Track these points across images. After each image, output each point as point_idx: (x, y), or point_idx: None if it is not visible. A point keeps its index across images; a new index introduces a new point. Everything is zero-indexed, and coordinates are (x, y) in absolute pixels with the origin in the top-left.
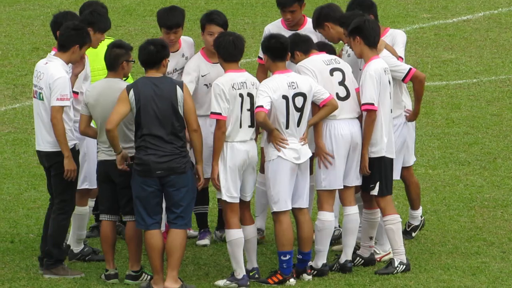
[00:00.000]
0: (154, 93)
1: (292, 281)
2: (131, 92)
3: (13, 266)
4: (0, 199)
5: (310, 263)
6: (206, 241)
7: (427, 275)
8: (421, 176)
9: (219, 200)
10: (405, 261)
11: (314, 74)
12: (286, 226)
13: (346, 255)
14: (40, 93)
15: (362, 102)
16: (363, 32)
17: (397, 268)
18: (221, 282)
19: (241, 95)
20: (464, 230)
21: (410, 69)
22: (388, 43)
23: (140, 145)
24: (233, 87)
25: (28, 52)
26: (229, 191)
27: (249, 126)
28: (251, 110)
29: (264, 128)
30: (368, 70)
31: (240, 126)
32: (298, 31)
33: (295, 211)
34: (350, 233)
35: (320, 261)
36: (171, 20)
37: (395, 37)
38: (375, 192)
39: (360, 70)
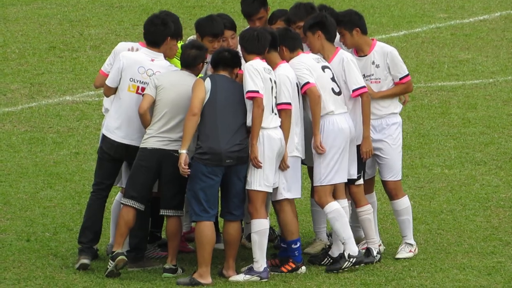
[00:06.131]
0: (229, 84)
1: (303, 268)
2: (207, 79)
3: (29, 265)
4: (17, 197)
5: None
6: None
7: (442, 274)
8: (437, 176)
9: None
10: (378, 250)
11: (309, 71)
12: (293, 214)
13: (339, 249)
14: None
15: (354, 87)
16: (325, 27)
17: (376, 257)
18: (239, 277)
19: (271, 80)
20: (480, 230)
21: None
22: (378, 59)
23: (209, 134)
24: (264, 70)
25: (45, 51)
26: (268, 180)
27: (275, 114)
28: (276, 98)
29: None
30: (347, 58)
31: (272, 111)
32: (289, 28)
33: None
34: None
35: (353, 247)
36: (217, 27)
37: (388, 56)
38: (361, 180)
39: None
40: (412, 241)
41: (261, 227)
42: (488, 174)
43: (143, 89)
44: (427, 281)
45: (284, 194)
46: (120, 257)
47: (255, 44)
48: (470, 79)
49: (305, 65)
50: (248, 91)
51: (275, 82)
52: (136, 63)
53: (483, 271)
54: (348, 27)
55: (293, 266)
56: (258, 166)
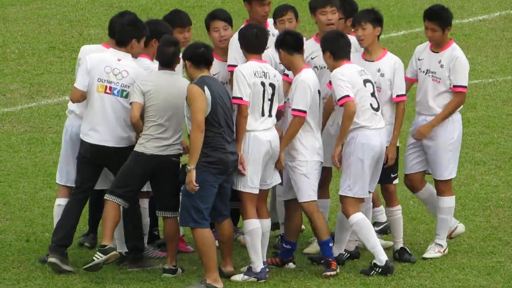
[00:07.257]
0: (222, 91)
1: (291, 264)
2: (206, 88)
3: (28, 265)
4: (16, 198)
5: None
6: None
7: (442, 274)
8: None
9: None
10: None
11: (351, 85)
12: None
13: (340, 249)
14: (123, 90)
15: (398, 93)
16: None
17: (412, 255)
18: (238, 277)
19: (262, 84)
20: (479, 230)
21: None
22: (444, 60)
23: (215, 144)
24: (254, 74)
25: (45, 51)
26: (253, 182)
27: (269, 116)
28: (272, 100)
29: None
30: (399, 61)
31: (262, 115)
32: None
33: (291, 203)
34: (345, 229)
35: (381, 256)
36: (184, 18)
37: (454, 60)
38: (397, 180)
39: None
40: (443, 242)
41: (251, 226)
42: (488, 174)
43: (110, 88)
44: (427, 281)
45: (314, 196)
46: (113, 253)
47: (255, 43)
48: (469, 79)
49: (347, 77)
50: (233, 97)
51: (270, 85)
52: (102, 62)
53: (483, 271)
54: (443, 25)
55: (334, 263)
56: (241, 172)
